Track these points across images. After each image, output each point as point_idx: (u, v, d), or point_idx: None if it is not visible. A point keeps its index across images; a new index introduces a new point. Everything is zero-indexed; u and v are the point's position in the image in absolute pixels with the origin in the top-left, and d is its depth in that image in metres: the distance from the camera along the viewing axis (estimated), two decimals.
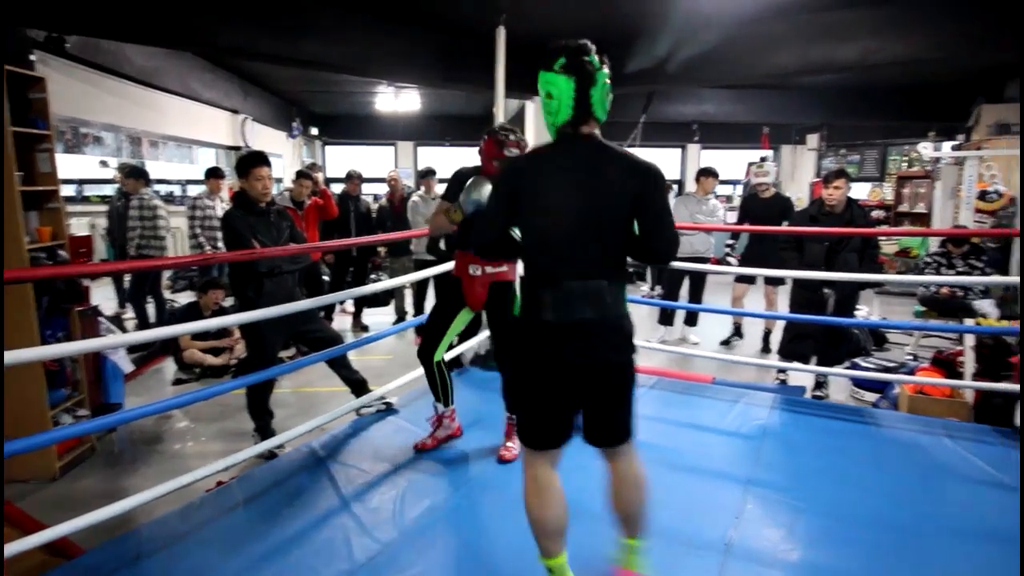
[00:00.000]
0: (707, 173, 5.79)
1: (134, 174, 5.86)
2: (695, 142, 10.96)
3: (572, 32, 5.89)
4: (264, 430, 3.35)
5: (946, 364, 3.93)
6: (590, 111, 1.71)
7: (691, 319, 5.88)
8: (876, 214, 9.73)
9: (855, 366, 4.29)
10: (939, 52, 4.27)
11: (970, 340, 3.83)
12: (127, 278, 6.10)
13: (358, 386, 3.42)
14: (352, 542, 2.23)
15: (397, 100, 9.87)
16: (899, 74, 7.14)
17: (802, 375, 4.39)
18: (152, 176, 6.55)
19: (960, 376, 3.76)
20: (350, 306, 6.51)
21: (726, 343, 5.70)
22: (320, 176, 6.33)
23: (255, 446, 2.83)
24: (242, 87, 8.34)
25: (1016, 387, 3.21)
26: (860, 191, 10.52)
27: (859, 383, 4.20)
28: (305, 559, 2.15)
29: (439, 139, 12.13)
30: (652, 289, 7.97)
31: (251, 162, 3.38)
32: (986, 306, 4.45)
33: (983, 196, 5.82)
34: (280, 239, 3.38)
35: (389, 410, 3.42)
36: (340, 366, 3.47)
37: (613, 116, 6.54)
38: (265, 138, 9.35)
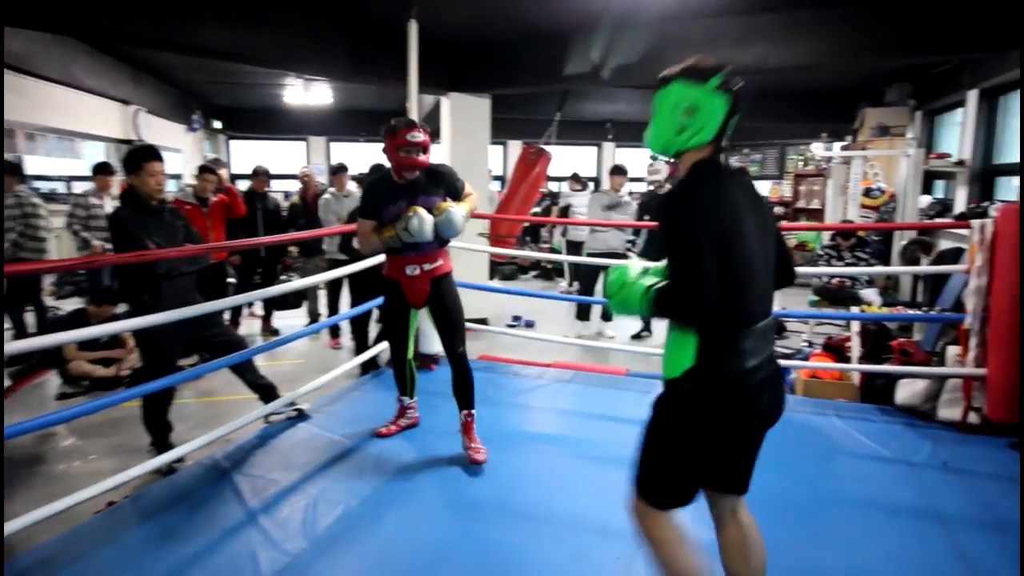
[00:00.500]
0: (617, 171, 5.98)
1: (7, 170, 5.36)
2: (609, 140, 11.26)
3: (485, 28, 5.90)
4: (161, 444, 3.15)
5: (836, 349, 4.25)
6: (723, 136, 1.58)
7: (607, 314, 6.05)
8: (777, 210, 10.38)
9: None
10: (826, 59, 4.60)
11: (856, 326, 4.16)
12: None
13: (266, 392, 3.27)
14: (258, 556, 2.14)
15: (307, 93, 9.54)
16: (794, 79, 7.65)
17: None
18: (30, 172, 6.02)
19: (848, 360, 4.08)
20: (259, 309, 6.25)
21: (637, 337, 5.89)
22: (224, 172, 6.03)
23: (150, 461, 2.65)
24: (133, 76, 7.81)
25: (897, 368, 3.51)
26: (762, 189, 11.16)
27: None
28: None
29: (353, 134, 11.85)
30: (570, 285, 8.13)
31: (142, 157, 3.16)
32: (870, 295, 4.85)
33: (867, 193, 6.33)
34: (175, 239, 3.18)
35: (300, 416, 3.31)
36: (245, 371, 3.31)
37: (528, 114, 6.63)
38: (161, 131, 8.80)
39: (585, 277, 6.13)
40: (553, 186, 11.06)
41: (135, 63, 7.71)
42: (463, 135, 6.16)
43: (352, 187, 5.56)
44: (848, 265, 5.21)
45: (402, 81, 4.28)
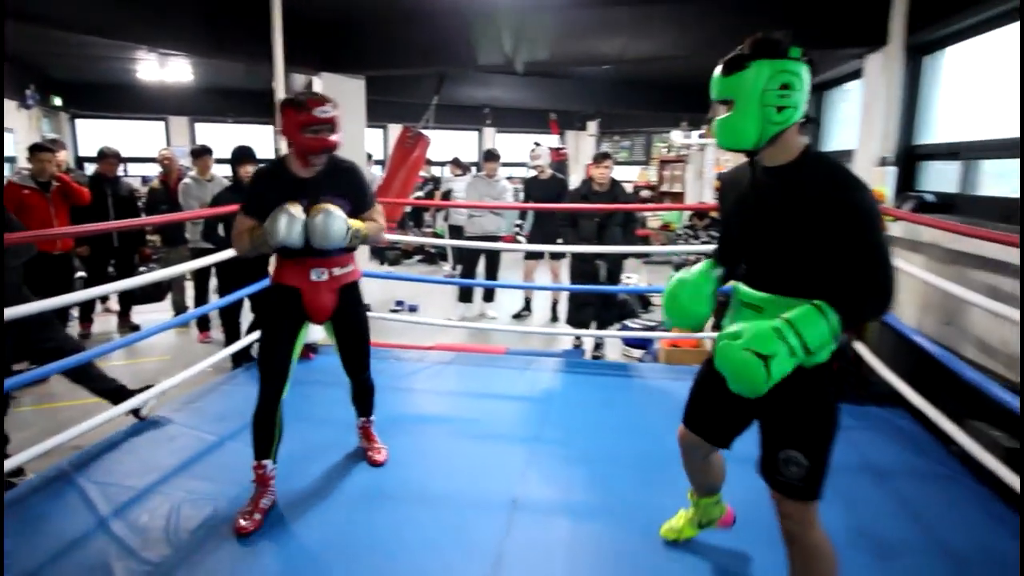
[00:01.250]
0: (490, 156, 6.03)
1: None
2: (488, 126, 11.29)
3: (357, 7, 5.65)
4: None
5: None
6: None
7: (488, 295, 6.11)
8: (644, 193, 10.96)
9: (625, 328, 4.79)
10: (679, 50, 4.87)
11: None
12: None
13: (115, 395, 2.97)
14: (114, 569, 1.96)
15: (164, 69, 8.71)
16: (658, 70, 8.04)
17: (585, 338, 4.82)
18: None
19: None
20: (115, 304, 5.69)
21: (517, 316, 6.02)
22: (62, 155, 5.38)
23: None
24: None
25: None
26: (631, 173, 11.74)
27: (628, 342, 4.71)
28: None
29: (220, 115, 10.99)
30: (453, 269, 8.12)
31: None
32: None
33: (720, 177, 6.82)
34: None
35: (144, 420, 3.01)
36: (85, 379, 2.97)
37: (408, 97, 6.48)
38: None
39: (466, 261, 6.15)
40: (436, 170, 10.95)
41: None
42: (350, 117, 5.92)
43: (217, 171, 5.18)
44: (704, 243, 5.62)
45: (268, 59, 4.02)
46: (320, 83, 5.87)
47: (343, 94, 5.88)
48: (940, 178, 3.87)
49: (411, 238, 9.24)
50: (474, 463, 2.67)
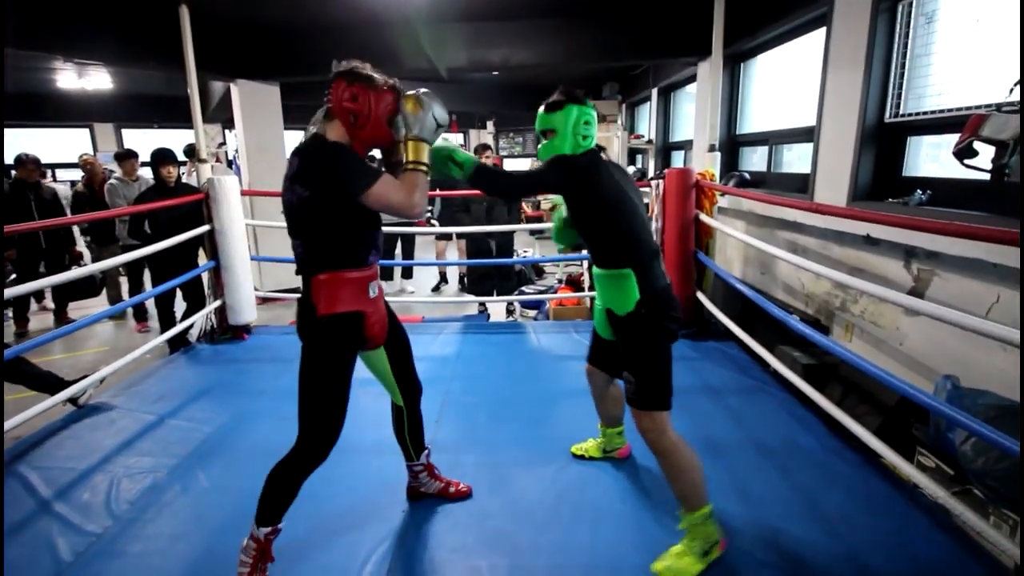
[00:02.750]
0: None
1: None
2: None
3: (268, 16, 5.21)
4: None
5: (574, 283, 4.71)
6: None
7: (407, 273, 5.98)
8: None
9: (522, 293, 4.86)
10: (554, 58, 4.89)
11: (586, 264, 4.64)
12: None
13: (52, 388, 2.66)
14: (57, 543, 1.78)
15: (83, 79, 7.71)
16: (541, 76, 8.04)
17: (496, 305, 4.84)
18: None
19: (582, 289, 4.55)
20: (51, 302, 5.07)
21: (436, 289, 5.94)
22: None
23: None
24: None
25: None
26: (525, 164, 11.78)
27: (525, 304, 4.78)
28: None
29: (145, 121, 9.92)
30: None
31: None
32: None
33: None
34: None
35: (80, 408, 2.73)
36: (19, 376, 2.63)
37: (319, 101, 6.03)
38: None
39: (385, 243, 5.95)
40: None
41: None
42: (255, 121, 5.49)
43: (143, 173, 4.68)
44: None
45: (181, 67, 3.64)
46: (236, 89, 5.42)
47: (259, 99, 5.49)
48: (756, 160, 4.16)
49: None
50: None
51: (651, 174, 6.30)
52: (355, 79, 1.49)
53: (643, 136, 6.86)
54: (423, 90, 1.54)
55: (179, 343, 3.66)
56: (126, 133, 10.17)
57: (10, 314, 4.78)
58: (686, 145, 5.60)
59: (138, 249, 3.32)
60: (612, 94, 7.65)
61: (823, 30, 3.00)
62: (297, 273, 1.56)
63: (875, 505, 1.90)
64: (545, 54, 4.87)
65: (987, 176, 2.10)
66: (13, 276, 4.73)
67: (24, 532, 1.85)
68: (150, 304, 4.51)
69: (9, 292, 2.85)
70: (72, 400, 2.68)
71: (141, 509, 1.95)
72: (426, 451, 1.96)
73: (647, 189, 3.63)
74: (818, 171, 3.05)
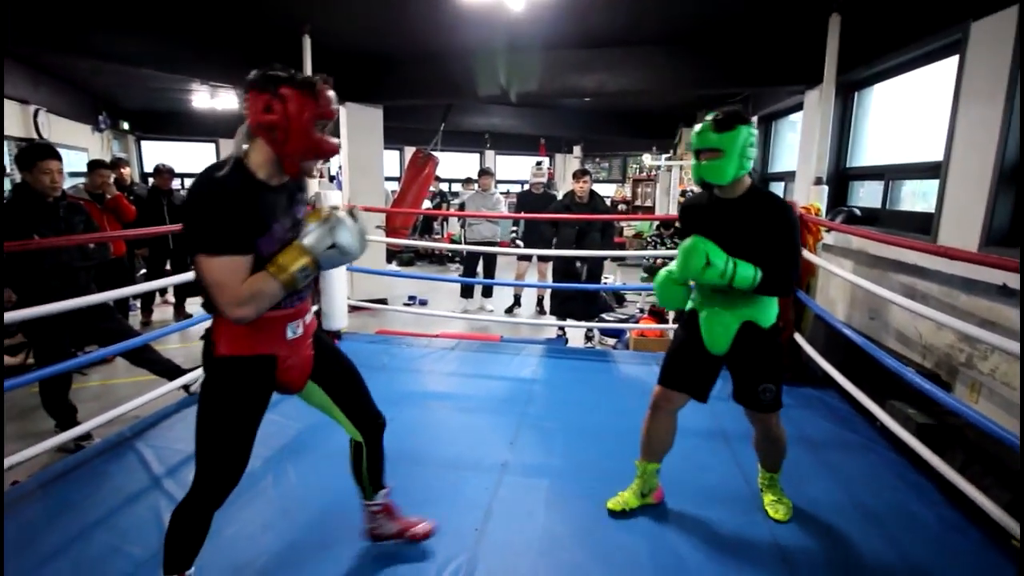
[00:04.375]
0: (485, 173, 6.03)
1: None
2: (488, 148, 11.28)
3: (377, 45, 5.63)
4: (66, 424, 2.78)
5: (657, 314, 4.58)
6: None
7: (487, 292, 6.10)
8: (622, 207, 10.96)
9: (602, 320, 4.80)
10: (650, 85, 4.87)
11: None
12: None
13: (170, 373, 2.98)
14: (164, 516, 1.95)
15: (214, 99, 8.68)
16: (632, 102, 8.04)
17: (575, 330, 4.82)
18: None
19: (666, 321, 4.41)
20: (172, 297, 5.67)
21: (509, 311, 5.91)
22: (127, 171, 5.36)
23: (52, 439, 2.34)
24: (32, 77, 6.69)
25: None
26: (610, 190, 11.75)
27: (604, 332, 4.71)
28: (111, 541, 1.85)
29: None
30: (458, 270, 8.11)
31: (36, 154, 2.74)
32: None
33: (683, 194, 6.84)
34: (72, 234, 2.80)
35: (195, 392, 3.01)
36: (141, 360, 2.95)
37: (417, 123, 6.43)
38: (65, 131, 7.61)
39: (467, 262, 6.15)
40: (444, 186, 10.95)
41: (36, 65, 6.62)
42: (359, 142, 5.90)
43: None
44: (669, 249, 5.62)
45: None
46: (344, 112, 5.87)
47: (364, 121, 5.90)
48: (868, 195, 3.88)
49: (419, 243, 9.23)
50: (471, 432, 2.67)
51: None
52: (266, 85, 1.27)
53: None
54: (340, 212, 1.33)
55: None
56: None
57: (139, 304, 5.39)
58: (787, 176, 5.33)
59: None
60: None
61: (954, 59, 2.78)
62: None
63: None
64: (641, 81, 4.86)
65: None
66: (143, 271, 5.37)
67: (138, 503, 2.06)
68: None
69: (140, 287, 3.26)
70: (185, 387, 2.97)
71: (236, 494, 2.05)
72: (385, 490, 1.76)
73: None
74: (944, 210, 2.79)
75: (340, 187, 6.07)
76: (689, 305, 1.95)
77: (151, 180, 5.28)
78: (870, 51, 3.52)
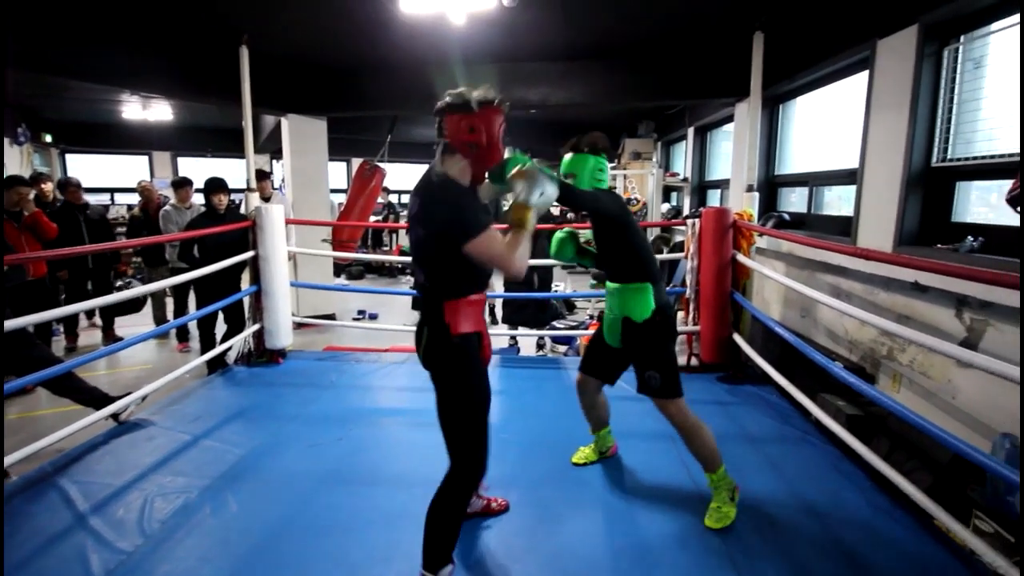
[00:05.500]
0: None
1: None
2: None
3: (319, 57, 5.49)
4: None
5: None
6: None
7: None
8: (570, 216, 11.12)
9: (553, 328, 4.84)
10: (591, 98, 5.00)
11: None
12: None
13: (97, 403, 2.77)
14: (89, 559, 1.82)
15: (146, 110, 8.26)
16: (576, 114, 8.21)
17: (526, 339, 4.82)
18: None
19: None
20: (99, 319, 5.31)
21: None
22: (48, 187, 4.99)
23: None
24: None
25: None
26: None
27: (556, 339, 4.75)
28: None
29: (200, 150, 10.50)
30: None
31: None
32: None
33: (628, 202, 7.02)
34: None
35: (123, 424, 2.81)
36: (67, 390, 2.75)
37: (364, 135, 6.31)
38: None
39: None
40: (395, 198, 10.81)
41: None
42: (303, 153, 5.75)
43: (197, 200, 4.92)
44: None
45: (238, 102, 3.87)
46: (287, 123, 5.71)
47: (307, 132, 5.75)
48: (796, 201, 4.10)
49: (369, 256, 9.07)
50: (424, 447, 2.59)
51: (686, 212, 6.28)
52: (467, 108, 1.46)
53: (679, 174, 6.87)
54: (536, 164, 1.55)
55: (217, 364, 3.77)
56: (181, 161, 10.77)
57: (62, 328, 5.02)
58: (722, 184, 5.57)
59: (186, 272, 3.47)
60: (648, 132, 7.73)
61: (865, 73, 2.99)
62: (416, 302, 1.69)
63: (927, 570, 1.78)
64: (583, 94, 4.98)
65: None
66: (63, 296, 4.99)
67: (61, 544, 1.90)
68: (192, 325, 4.68)
69: (58, 312, 3.01)
70: (114, 416, 2.78)
71: (172, 529, 1.98)
72: None
73: (683, 227, 3.61)
74: (861, 214, 2.99)
75: (286, 198, 5.88)
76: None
77: (62, 196, 4.90)
78: (791, 66, 3.73)
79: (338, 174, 10.79)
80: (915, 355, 2.58)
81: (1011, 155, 2.24)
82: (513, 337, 4.76)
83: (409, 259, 5.62)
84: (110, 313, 5.12)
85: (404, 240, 10.07)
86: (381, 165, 5.92)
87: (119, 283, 5.25)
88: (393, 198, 10.73)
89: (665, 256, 4.32)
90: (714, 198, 6.10)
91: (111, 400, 2.79)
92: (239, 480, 2.31)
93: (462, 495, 1.55)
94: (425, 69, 5.03)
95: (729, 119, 5.25)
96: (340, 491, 2.24)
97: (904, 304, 2.64)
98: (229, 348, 3.73)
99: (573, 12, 3.73)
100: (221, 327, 4.07)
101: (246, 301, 3.88)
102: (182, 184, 4.92)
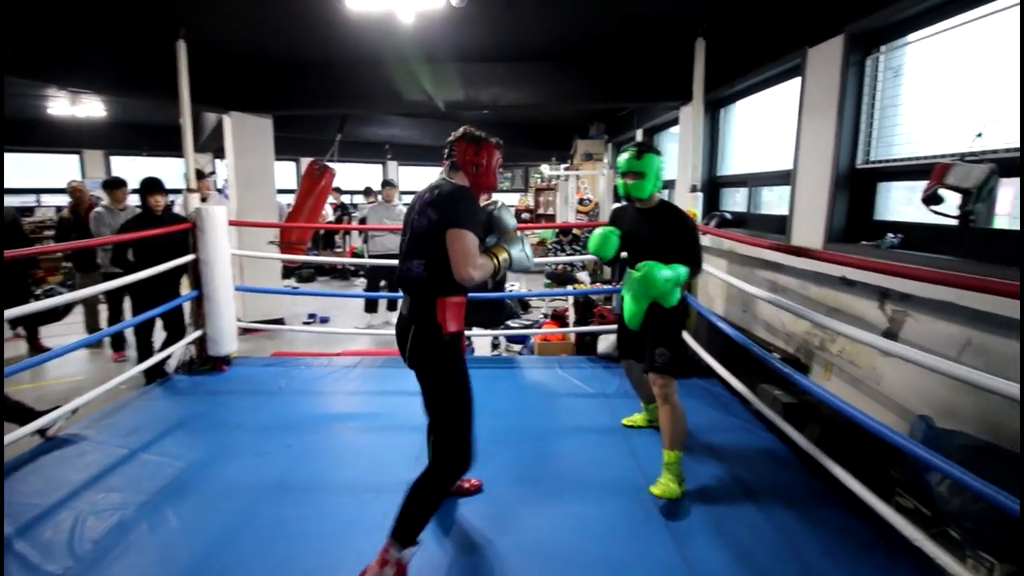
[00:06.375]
0: (388, 184, 5.92)
1: None
2: (390, 159, 11.07)
3: (263, 53, 5.30)
4: None
5: (559, 317, 4.73)
6: None
7: (392, 305, 5.96)
8: (525, 216, 11.21)
9: (508, 327, 4.85)
10: (541, 100, 5.04)
11: (571, 300, 4.67)
12: None
13: (21, 416, 2.59)
14: None
15: (75, 106, 7.75)
16: (528, 115, 8.27)
17: (481, 339, 4.82)
18: None
19: (567, 324, 4.57)
20: (23, 330, 4.95)
21: None
22: None
23: None
24: None
25: (597, 328, 4.01)
26: (514, 199, 11.98)
27: (510, 339, 4.77)
28: None
29: (135, 149, 9.95)
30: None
31: None
32: (583, 276, 5.45)
33: (581, 202, 7.13)
34: None
35: (59, 437, 2.66)
36: None
37: (313, 134, 6.14)
38: None
39: (370, 276, 5.98)
40: (348, 198, 10.58)
41: None
42: (247, 152, 5.54)
43: (132, 201, 4.66)
44: (568, 255, 5.82)
45: (175, 99, 3.70)
46: (229, 121, 5.49)
47: (252, 131, 5.56)
48: (739, 201, 4.27)
49: (320, 258, 8.85)
50: (374, 452, 2.59)
51: None
52: (475, 140, 1.83)
53: None
54: (520, 233, 1.88)
55: (156, 374, 3.59)
56: (115, 160, 10.18)
57: None
58: (670, 185, 5.74)
59: (120, 277, 3.29)
60: (599, 133, 7.87)
61: (797, 79, 3.15)
62: (411, 292, 1.75)
63: (856, 547, 1.90)
64: (533, 95, 5.02)
65: (954, 222, 2.18)
66: None
67: None
68: (129, 333, 4.44)
69: None
70: (41, 431, 2.60)
71: (106, 549, 1.88)
72: None
73: None
74: (795, 213, 3.14)
75: (227, 200, 5.66)
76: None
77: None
78: (731, 72, 3.89)
79: (287, 174, 10.47)
80: (844, 345, 2.74)
81: (926, 158, 2.42)
82: (468, 337, 4.75)
83: (362, 260, 5.53)
84: (33, 322, 4.79)
85: (358, 241, 9.88)
86: (331, 165, 5.79)
87: (38, 292, 4.89)
88: (345, 198, 10.50)
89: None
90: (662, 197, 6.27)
91: (37, 415, 2.61)
92: (180, 494, 2.21)
93: (445, 483, 1.69)
94: (375, 67, 4.95)
95: (675, 122, 5.41)
96: (288, 500, 2.18)
97: (833, 298, 2.80)
98: (169, 356, 3.56)
99: (521, 13, 3.76)
100: (160, 335, 3.89)
101: (186, 307, 3.72)
102: (116, 184, 4.66)
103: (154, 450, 2.58)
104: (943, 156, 2.29)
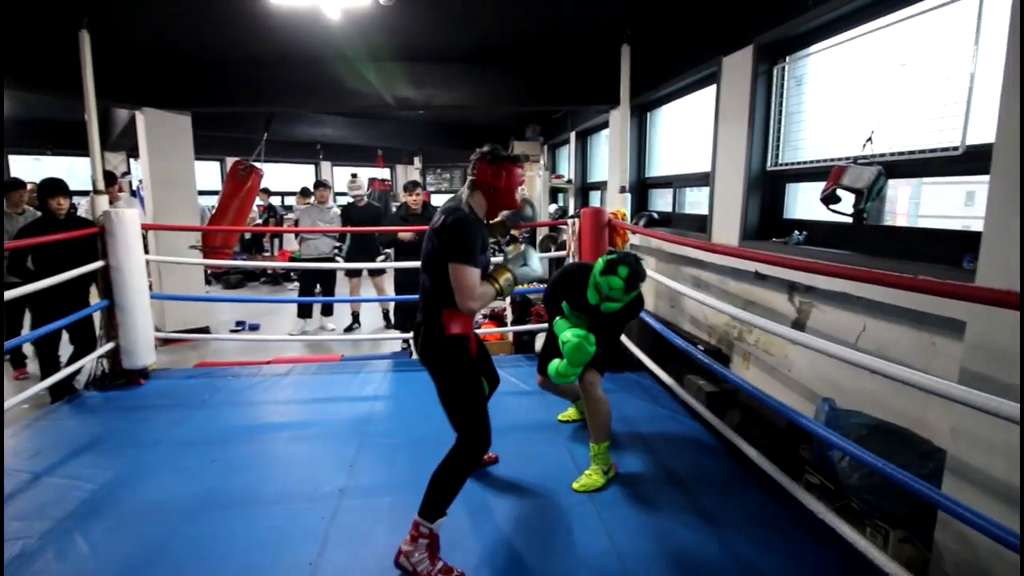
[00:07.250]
0: (321, 185, 5.75)
1: None
2: (323, 159, 10.74)
3: (178, 46, 5.01)
4: None
5: (497, 317, 4.76)
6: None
7: (327, 310, 5.79)
8: None
9: None
10: (474, 101, 5.06)
11: (509, 299, 4.72)
12: None
13: None
14: None
15: None
16: (464, 115, 8.26)
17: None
18: None
19: (505, 324, 4.61)
20: None
21: (348, 330, 5.63)
22: None
23: None
24: None
25: (535, 326, 4.07)
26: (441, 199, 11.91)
27: None
28: None
29: (39, 147, 9.11)
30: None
31: None
32: None
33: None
34: None
35: None
36: None
37: (236, 132, 5.86)
38: None
39: (303, 279, 5.78)
40: (276, 200, 10.16)
41: None
42: (163, 151, 5.21)
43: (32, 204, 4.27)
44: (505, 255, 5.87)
45: (80, 93, 3.43)
46: (143, 117, 5.15)
47: (168, 129, 5.24)
48: (665, 202, 4.47)
49: (247, 263, 8.47)
50: (306, 462, 2.51)
51: (571, 212, 6.58)
52: (496, 161, 1.83)
53: (564, 176, 7.17)
54: (524, 247, 1.89)
55: (63, 391, 3.32)
56: (13, 160, 9.26)
57: None
58: (602, 186, 5.91)
59: (17, 287, 3.01)
60: (534, 135, 7.98)
61: (714, 87, 3.34)
62: (422, 300, 1.85)
63: (772, 525, 2.04)
64: (466, 96, 5.03)
65: (850, 219, 2.39)
66: None
67: None
68: (29, 348, 4.07)
69: None
70: None
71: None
72: None
73: (564, 226, 3.79)
74: (714, 213, 3.33)
75: (142, 203, 5.30)
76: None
77: None
78: (655, 78, 4.07)
79: (210, 175, 9.93)
80: (759, 335, 2.94)
81: (826, 160, 2.63)
82: (405, 341, 4.70)
83: (294, 264, 5.37)
84: None
85: (290, 244, 9.52)
86: (258, 165, 5.55)
87: None
88: (275, 200, 10.09)
89: (552, 255, 4.50)
90: (596, 199, 6.46)
91: None
92: (90, 518, 2.06)
93: (469, 462, 1.79)
94: (300, 64, 4.80)
95: (606, 124, 5.58)
96: (214, 516, 2.08)
97: (749, 292, 2.99)
98: (78, 371, 3.30)
99: (449, 14, 3.76)
100: (68, 348, 3.59)
101: (96, 317, 3.46)
102: (13, 186, 4.26)
103: (60, 473, 2.38)
104: (841, 159, 2.50)
